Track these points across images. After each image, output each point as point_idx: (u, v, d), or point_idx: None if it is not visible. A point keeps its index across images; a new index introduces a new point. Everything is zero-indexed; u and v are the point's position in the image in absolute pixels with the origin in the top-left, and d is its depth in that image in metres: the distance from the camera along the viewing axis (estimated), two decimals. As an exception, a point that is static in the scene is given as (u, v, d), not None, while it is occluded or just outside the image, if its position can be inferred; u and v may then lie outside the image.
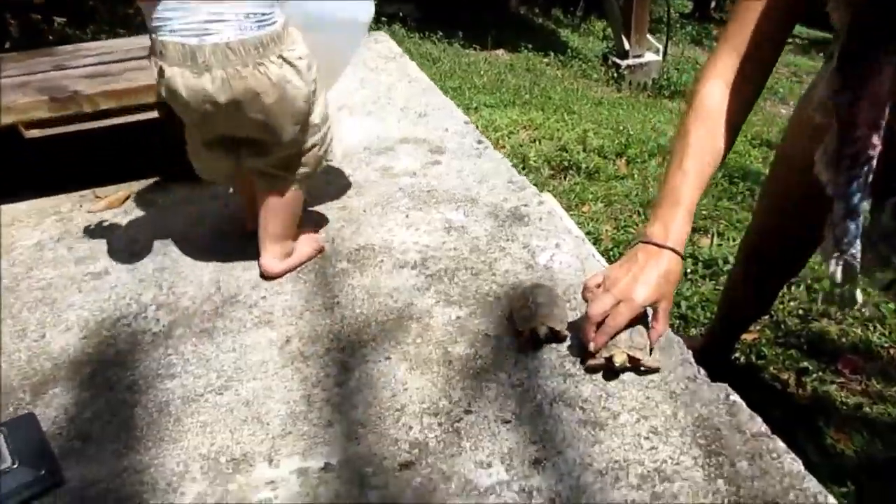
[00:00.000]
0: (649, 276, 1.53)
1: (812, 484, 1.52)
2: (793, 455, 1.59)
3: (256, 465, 1.66)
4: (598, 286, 1.62)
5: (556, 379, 1.82)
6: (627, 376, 1.80)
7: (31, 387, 1.92)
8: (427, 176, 2.81)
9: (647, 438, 1.65)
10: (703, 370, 1.83)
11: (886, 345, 2.91)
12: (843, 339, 2.99)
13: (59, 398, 1.88)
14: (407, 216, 2.56)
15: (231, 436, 1.74)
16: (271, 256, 2.22)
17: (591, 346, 1.59)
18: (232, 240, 2.49)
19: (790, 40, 1.94)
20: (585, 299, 1.73)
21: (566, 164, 4.87)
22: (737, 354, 3.01)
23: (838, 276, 1.42)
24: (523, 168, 4.62)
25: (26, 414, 1.82)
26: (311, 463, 1.65)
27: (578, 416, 1.72)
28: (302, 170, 2.01)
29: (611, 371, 1.68)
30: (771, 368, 2.87)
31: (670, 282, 1.56)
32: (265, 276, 2.14)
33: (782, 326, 3.13)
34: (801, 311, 3.20)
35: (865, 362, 2.94)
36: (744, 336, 2.95)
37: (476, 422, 1.71)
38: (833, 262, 1.42)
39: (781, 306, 3.21)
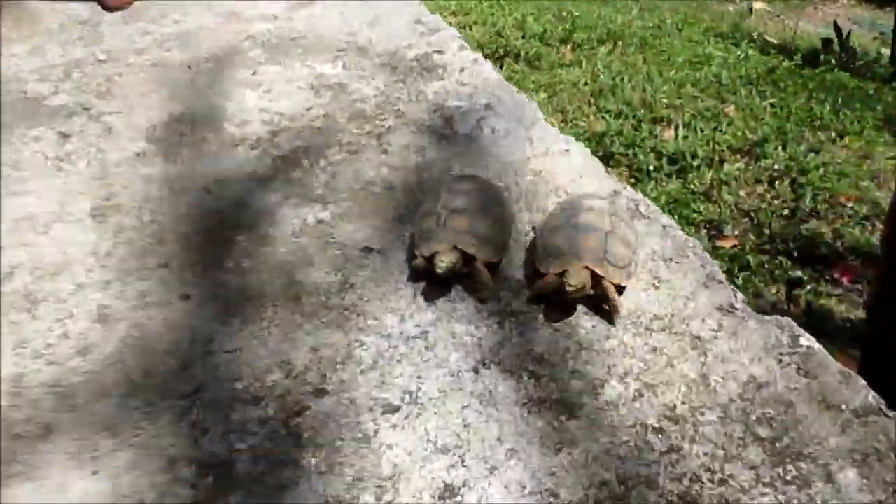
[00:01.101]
0: None
1: None
2: (939, 453, 0.82)
3: None
4: None
5: (488, 323, 0.99)
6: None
7: None
8: (293, 20, 1.86)
9: (658, 431, 0.85)
10: (740, 294, 1.03)
11: (889, 246, 2.24)
12: (839, 242, 2.45)
13: None
14: (255, 73, 1.64)
15: None
16: None
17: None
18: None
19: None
20: None
21: (503, 51, 4.10)
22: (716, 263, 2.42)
23: None
24: (450, 55, 3.72)
25: None
26: None
27: (528, 391, 0.90)
28: None
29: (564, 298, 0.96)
30: (757, 281, 2.34)
31: None
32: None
33: (766, 230, 2.57)
34: (786, 211, 2.62)
35: (866, 268, 2.39)
36: (721, 243, 2.48)
37: (339, 412, 0.88)
38: None
39: (764, 206, 2.66)
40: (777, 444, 0.84)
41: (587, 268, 0.99)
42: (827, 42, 4.23)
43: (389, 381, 0.95)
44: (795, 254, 2.40)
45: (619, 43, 4.27)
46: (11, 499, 0.83)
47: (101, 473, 0.85)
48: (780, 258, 2.44)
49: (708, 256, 1.10)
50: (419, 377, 0.95)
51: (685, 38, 4.73)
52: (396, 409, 0.91)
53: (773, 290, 2.31)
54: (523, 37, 4.34)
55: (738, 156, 2.85)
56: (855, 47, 4.26)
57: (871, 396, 0.88)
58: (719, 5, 8.63)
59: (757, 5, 6.47)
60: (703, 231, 2.46)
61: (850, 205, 2.60)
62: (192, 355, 1.00)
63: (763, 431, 0.85)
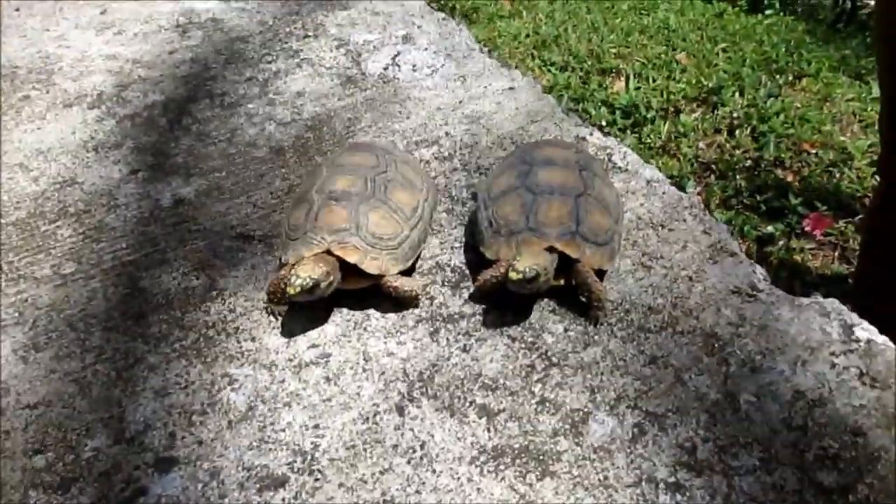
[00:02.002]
0: None
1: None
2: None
3: None
4: None
5: (408, 343, 0.68)
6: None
7: None
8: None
9: (674, 489, 0.56)
10: (759, 269, 0.75)
11: (859, 193, 2.28)
12: (807, 191, 2.29)
13: None
14: (104, 12, 1.26)
15: None
16: None
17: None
18: None
19: None
20: None
21: (436, 5, 3.79)
22: (726, 229, 2.19)
23: None
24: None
25: None
26: None
27: (479, 439, 0.60)
28: None
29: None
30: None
31: None
32: None
33: (731, 182, 2.39)
34: (749, 162, 2.43)
35: (837, 218, 2.22)
36: (681, 194, 2.26)
37: (193, 495, 0.56)
38: None
39: (724, 157, 2.51)
40: (834, 496, 0.56)
41: (552, 248, 0.68)
42: (770, -14, 4.12)
43: (272, 436, 0.63)
44: (763, 207, 2.23)
45: None
46: None
47: None
48: (747, 213, 2.28)
49: (712, 219, 0.81)
50: (316, 427, 0.64)
51: None
52: (282, 484, 0.60)
53: (744, 248, 2.14)
54: None
55: (695, 105, 2.70)
56: (796, -9, 4.15)
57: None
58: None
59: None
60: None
61: (814, 151, 2.46)
62: None
63: (824, 478, 0.57)
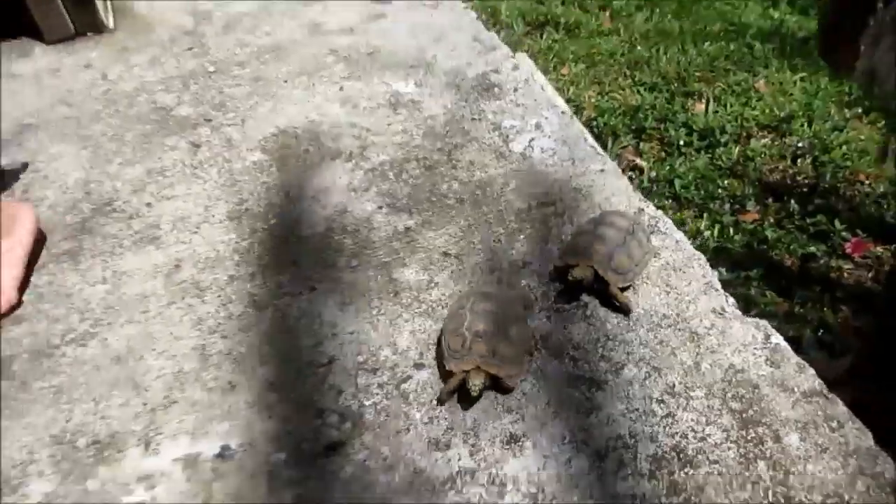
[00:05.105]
0: None
1: (889, 468, 1.11)
2: (859, 424, 1.17)
3: (127, 450, 1.20)
4: None
5: (539, 317, 1.35)
6: (635, 311, 1.34)
7: None
8: (368, 33, 2.17)
9: (660, 402, 1.21)
10: (731, 299, 1.37)
11: (903, 224, 2.60)
12: (854, 219, 2.55)
13: None
14: (341, 89, 1.96)
15: (94, 407, 1.26)
16: None
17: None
18: (108, 123, 1.88)
19: None
20: None
21: (543, 18, 4.24)
22: (737, 237, 2.58)
23: None
24: (494, 25, 3.94)
25: None
26: (204, 447, 1.20)
27: (568, 369, 1.27)
28: None
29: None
30: (773, 254, 2.49)
31: None
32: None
33: (787, 205, 2.72)
34: (806, 189, 2.76)
35: (877, 244, 2.58)
36: (743, 217, 2.60)
37: (430, 381, 1.24)
38: None
39: (785, 181, 2.77)
40: (744, 415, 1.19)
41: (592, 266, 1.33)
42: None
43: (468, 358, 1.32)
44: (811, 229, 2.49)
45: (657, 10, 4.36)
46: (213, 434, 1.22)
47: (273, 418, 1.24)
48: (796, 233, 2.55)
49: (709, 268, 1.44)
50: (490, 357, 1.32)
51: (724, 1, 4.74)
52: (474, 380, 1.28)
53: (789, 263, 2.56)
54: (563, 3, 4.46)
55: (765, 132, 2.97)
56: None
57: (817, 383, 1.23)
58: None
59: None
60: (727, 205, 2.62)
61: (867, 182, 2.68)
62: (322, 335, 1.37)
63: (735, 405, 1.21)
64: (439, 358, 1.29)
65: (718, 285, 1.40)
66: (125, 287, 1.48)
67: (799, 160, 2.80)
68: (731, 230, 2.48)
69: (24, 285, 1.47)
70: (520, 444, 1.18)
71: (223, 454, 1.19)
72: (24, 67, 2.14)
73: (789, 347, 1.29)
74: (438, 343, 1.31)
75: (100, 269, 1.52)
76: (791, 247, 2.49)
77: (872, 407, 1.38)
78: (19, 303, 1.45)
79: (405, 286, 1.44)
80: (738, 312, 1.36)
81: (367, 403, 1.25)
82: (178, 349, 1.35)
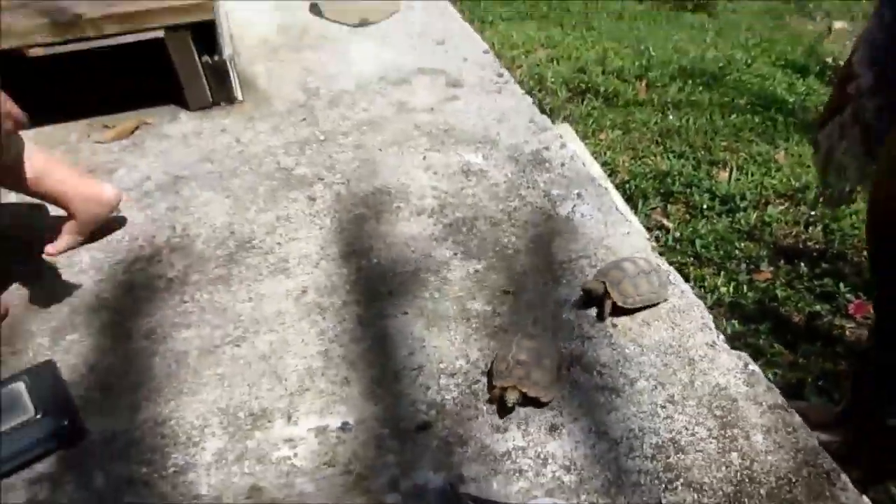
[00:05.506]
0: None
1: (826, 461, 1.53)
2: (807, 430, 1.60)
3: (275, 421, 1.68)
4: None
5: (575, 342, 1.81)
6: (647, 341, 1.79)
7: (49, 332, 1.92)
8: (444, 112, 2.70)
9: (663, 407, 1.66)
10: (722, 336, 1.82)
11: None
12: (858, 281, 2.91)
13: (77, 345, 1.88)
14: (424, 158, 2.48)
15: (249, 390, 1.75)
16: None
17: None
18: (244, 178, 2.43)
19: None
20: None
21: (584, 86, 4.67)
22: (750, 293, 2.95)
23: None
24: (540, 90, 4.44)
25: (46, 361, 1.82)
26: (330, 421, 1.67)
27: (596, 381, 1.72)
28: None
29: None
30: (782, 310, 2.82)
31: None
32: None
33: (797, 268, 3.09)
34: (815, 254, 3.12)
35: None
36: (757, 276, 2.88)
37: None
38: None
39: (797, 245, 3.10)
40: (724, 420, 1.63)
41: (604, 283, 1.79)
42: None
43: (521, 370, 1.78)
44: (819, 290, 2.73)
45: (690, 81, 4.79)
46: (336, 414, 1.70)
47: (379, 405, 1.71)
48: (805, 293, 2.79)
49: (707, 312, 1.89)
50: (537, 369, 1.78)
51: (753, 73, 5.15)
52: (525, 385, 1.75)
53: (796, 320, 2.79)
54: (603, 72, 4.92)
55: (782, 200, 3.22)
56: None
57: (780, 399, 1.66)
58: (799, 22, 8.72)
59: (837, 25, 6.56)
60: (743, 265, 2.83)
61: None
62: (413, 348, 1.84)
63: (718, 412, 1.65)
64: (489, 376, 1.74)
65: (712, 325, 1.85)
66: (265, 305, 1.99)
67: (811, 227, 3.06)
68: (746, 287, 2.70)
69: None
70: (558, 431, 1.63)
71: (344, 428, 1.67)
72: (173, 129, 2.72)
73: (762, 373, 1.72)
74: (490, 365, 1.77)
75: (245, 292, 2.03)
76: (799, 305, 2.70)
77: (859, 445, 1.71)
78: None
79: (474, 314, 1.92)
80: (726, 346, 1.80)
81: (447, 398, 1.72)
82: (307, 352, 1.85)
